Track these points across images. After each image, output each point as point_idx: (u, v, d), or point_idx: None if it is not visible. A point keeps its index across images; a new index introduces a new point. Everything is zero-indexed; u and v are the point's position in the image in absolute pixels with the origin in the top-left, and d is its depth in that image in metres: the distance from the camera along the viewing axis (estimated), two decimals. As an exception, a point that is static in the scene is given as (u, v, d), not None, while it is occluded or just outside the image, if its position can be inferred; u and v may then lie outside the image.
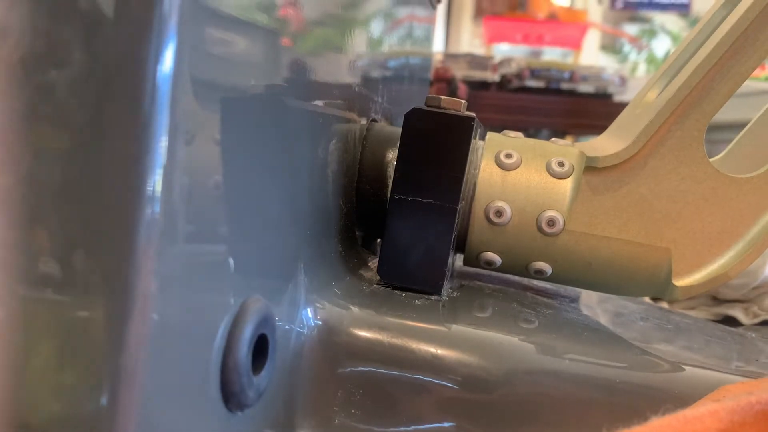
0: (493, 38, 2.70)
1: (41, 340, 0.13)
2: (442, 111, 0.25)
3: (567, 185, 0.26)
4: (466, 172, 0.25)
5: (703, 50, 0.25)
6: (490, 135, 0.28)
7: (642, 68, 3.86)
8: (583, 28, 2.83)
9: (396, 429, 0.20)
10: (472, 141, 0.26)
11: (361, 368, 0.21)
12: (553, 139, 0.29)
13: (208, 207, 0.15)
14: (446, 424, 0.21)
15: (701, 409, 0.17)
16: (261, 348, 0.17)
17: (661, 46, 3.90)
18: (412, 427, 0.20)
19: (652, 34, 3.94)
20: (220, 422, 0.16)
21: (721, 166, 0.27)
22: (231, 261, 0.16)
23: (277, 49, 0.20)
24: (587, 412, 0.22)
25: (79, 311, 0.13)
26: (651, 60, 3.84)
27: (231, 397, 0.16)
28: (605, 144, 0.28)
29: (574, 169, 0.26)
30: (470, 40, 3.23)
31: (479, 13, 2.77)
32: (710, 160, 0.27)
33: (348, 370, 0.21)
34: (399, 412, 0.21)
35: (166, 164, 0.13)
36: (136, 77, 0.13)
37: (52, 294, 0.13)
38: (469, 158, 0.25)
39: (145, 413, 0.13)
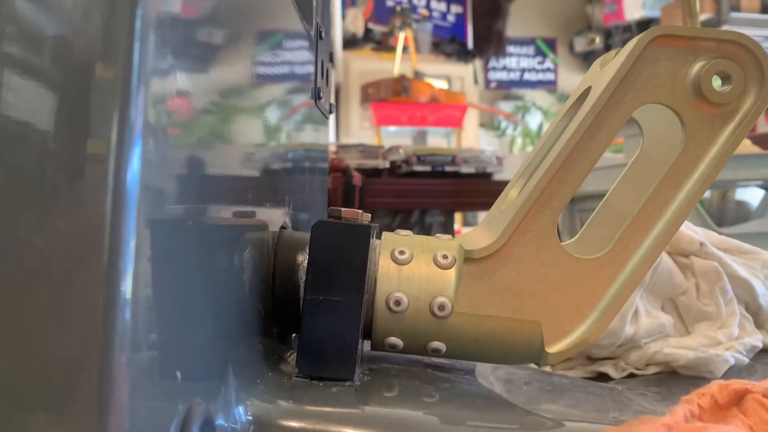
0: (381, 121, 2.85)
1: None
2: (343, 222, 0.29)
3: (452, 274, 0.31)
4: (367, 269, 0.30)
5: (547, 159, 0.31)
6: (384, 235, 0.33)
7: (519, 141, 4.15)
8: (463, 108, 3.03)
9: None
10: (370, 243, 0.30)
11: (289, 454, 0.24)
12: (437, 234, 0.34)
13: (160, 319, 0.18)
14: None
15: None
16: (204, 445, 0.20)
17: (534, 120, 4.23)
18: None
19: (525, 109, 4.28)
20: None
21: (574, 248, 0.33)
22: (178, 368, 0.19)
23: (195, 158, 0.23)
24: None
25: (61, 423, 0.16)
26: (527, 133, 4.15)
27: (184, 489, 0.19)
28: (480, 237, 0.33)
29: (456, 260, 0.31)
30: (360, 123, 3.37)
31: (365, 98, 2.91)
32: (565, 243, 0.33)
33: (278, 456, 0.24)
34: (326, 488, 0.24)
35: (135, 276, 0.16)
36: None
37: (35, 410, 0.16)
38: (368, 258, 0.30)
39: None
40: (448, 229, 1.66)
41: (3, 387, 0.16)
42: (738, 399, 0.24)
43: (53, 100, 0.17)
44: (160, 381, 0.19)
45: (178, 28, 0.21)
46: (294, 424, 0.24)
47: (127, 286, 0.16)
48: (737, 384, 0.24)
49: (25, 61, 0.18)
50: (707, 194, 1.68)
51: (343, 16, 3.49)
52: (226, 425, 0.23)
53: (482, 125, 4.08)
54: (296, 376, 0.29)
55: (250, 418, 0.24)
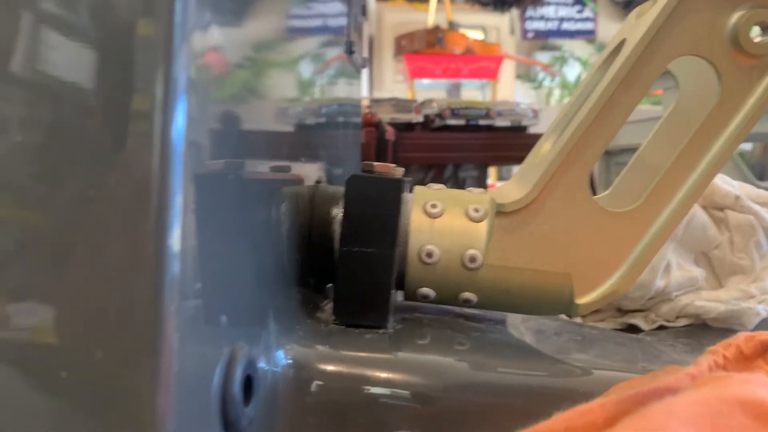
0: (415, 74, 2.82)
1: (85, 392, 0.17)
2: (376, 176, 0.30)
3: (483, 227, 0.32)
4: (400, 223, 0.30)
5: (581, 112, 0.31)
6: (417, 189, 0.34)
7: (557, 94, 4.07)
8: (498, 59, 2.98)
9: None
10: (403, 196, 0.31)
11: (326, 396, 0.26)
12: (469, 188, 0.35)
13: (205, 269, 0.19)
14: (400, 433, 0.25)
15: (593, 403, 0.21)
16: (247, 385, 0.22)
17: (573, 71, 4.13)
18: (373, 438, 0.25)
19: (563, 60, 4.17)
20: (221, 447, 0.20)
21: (605, 202, 0.33)
22: (223, 314, 0.21)
23: (233, 113, 0.24)
24: (511, 416, 0.27)
25: (115, 367, 0.17)
26: (564, 85, 4.06)
27: (230, 425, 0.20)
28: (511, 190, 0.34)
29: (487, 213, 0.32)
30: (393, 76, 3.34)
31: (399, 51, 2.88)
32: (598, 197, 0.33)
33: (316, 399, 0.25)
34: (361, 428, 0.25)
35: (182, 230, 0.17)
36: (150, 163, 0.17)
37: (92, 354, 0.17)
38: (401, 211, 0.31)
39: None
40: (481, 183, 1.66)
41: (64, 328, 0.17)
42: (764, 350, 0.24)
43: (94, 59, 0.18)
44: (206, 327, 0.20)
45: (216, -16, 0.21)
46: (331, 367, 0.26)
47: (174, 240, 0.17)
48: (763, 335, 0.24)
49: (66, 20, 0.18)
50: (748, 147, 1.63)
51: (376, -34, 3.43)
52: (267, 368, 0.24)
53: (518, 77, 4.00)
54: (332, 324, 0.30)
55: (290, 361, 0.25)
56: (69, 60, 0.18)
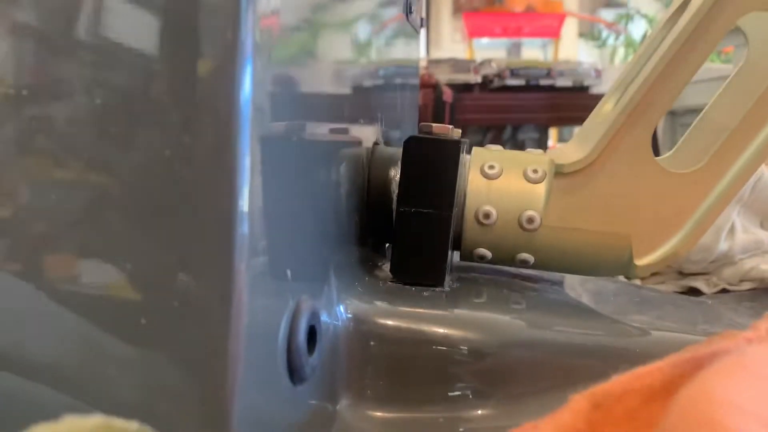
0: (474, 33, 2.76)
1: (159, 342, 0.19)
2: (434, 137, 0.30)
3: (541, 189, 0.32)
4: (457, 184, 0.31)
5: (645, 70, 0.31)
6: (475, 150, 0.34)
7: (621, 52, 3.92)
8: (561, 17, 2.89)
9: (416, 392, 0.26)
10: (460, 158, 0.31)
11: (385, 349, 0.27)
12: (528, 149, 0.35)
13: (271, 227, 0.21)
14: (455, 385, 0.26)
15: (651, 366, 0.21)
16: (311, 336, 0.23)
17: (638, 29, 3.96)
18: (429, 390, 0.26)
19: (628, 18, 4.00)
20: (287, 392, 0.21)
21: (668, 163, 0.33)
22: (288, 269, 0.22)
23: (293, 77, 0.24)
24: (567, 374, 0.27)
25: (191, 319, 0.18)
26: (629, 44, 3.90)
27: (294, 372, 0.21)
28: (571, 151, 0.34)
29: (546, 174, 0.32)
30: (451, 35, 3.29)
31: (458, 9, 2.82)
32: (661, 158, 0.33)
33: (375, 351, 0.26)
34: (417, 379, 0.26)
35: (250, 190, 0.18)
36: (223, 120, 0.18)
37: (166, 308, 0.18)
38: (458, 172, 0.31)
39: (242, 389, 0.19)
40: (542, 145, 1.63)
41: (142, 281, 0.19)
42: (827, 313, 0.23)
43: (157, 24, 0.19)
44: (273, 281, 0.21)
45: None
46: (389, 322, 0.27)
47: (244, 200, 0.18)
48: (827, 297, 0.24)
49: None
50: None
51: None
52: (329, 321, 0.25)
53: (581, 35, 3.87)
54: (390, 281, 0.31)
55: (350, 315, 0.27)
56: (132, 25, 0.19)
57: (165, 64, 0.19)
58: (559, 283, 0.37)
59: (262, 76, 0.20)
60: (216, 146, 0.18)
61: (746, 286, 0.43)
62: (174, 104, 0.19)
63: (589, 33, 3.96)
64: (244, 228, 0.18)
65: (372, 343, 0.26)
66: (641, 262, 0.32)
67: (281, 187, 0.22)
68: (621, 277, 0.42)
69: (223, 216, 0.18)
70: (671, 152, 0.36)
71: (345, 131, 0.32)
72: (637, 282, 0.44)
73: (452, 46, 3.15)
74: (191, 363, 0.18)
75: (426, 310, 0.28)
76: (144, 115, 0.19)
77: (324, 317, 0.24)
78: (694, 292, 0.44)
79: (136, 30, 0.19)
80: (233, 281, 0.18)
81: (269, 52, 0.21)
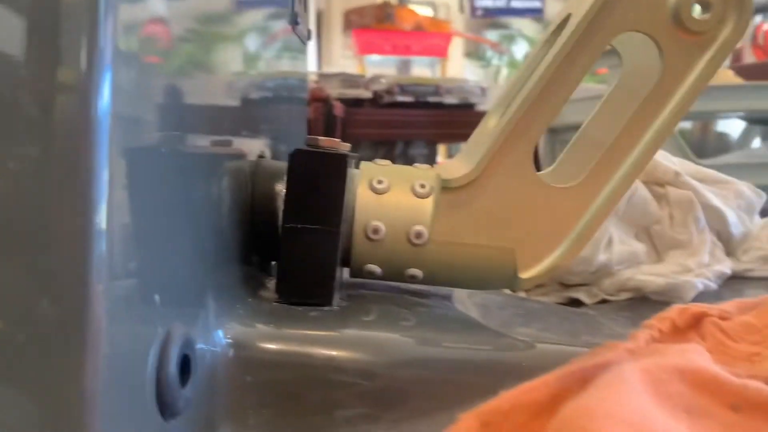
0: (364, 49, 2.80)
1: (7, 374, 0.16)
2: (321, 150, 0.29)
3: (429, 203, 0.31)
4: (345, 198, 0.30)
5: (525, 88, 0.31)
6: (363, 164, 0.33)
7: (504, 72, 4.10)
8: (448, 37, 2.98)
9: (303, 420, 0.25)
10: (348, 172, 0.30)
11: (268, 375, 0.25)
12: (415, 164, 0.34)
13: (138, 246, 0.19)
14: (344, 411, 0.25)
15: (537, 381, 0.21)
16: (184, 366, 0.21)
17: (521, 50, 4.16)
18: (317, 417, 0.25)
19: (511, 39, 4.20)
20: (157, 429, 0.20)
21: (549, 178, 0.33)
22: (156, 293, 0.20)
23: (171, 86, 0.23)
24: (457, 391, 0.27)
25: (41, 349, 0.16)
26: (512, 63, 4.09)
27: (165, 407, 0.19)
28: (458, 166, 0.34)
29: (433, 189, 0.32)
30: (342, 51, 3.31)
31: (348, 25, 2.85)
32: (542, 173, 0.34)
33: (257, 378, 0.25)
34: (304, 406, 0.25)
35: (110, 206, 0.17)
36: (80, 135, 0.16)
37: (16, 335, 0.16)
38: (346, 187, 0.30)
39: (101, 427, 0.17)
40: (431, 161, 1.66)
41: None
42: (696, 322, 0.24)
43: (22, 27, 0.17)
44: (139, 306, 0.19)
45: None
46: (273, 346, 0.25)
47: (101, 216, 0.17)
48: (695, 307, 0.25)
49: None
50: (688, 126, 1.68)
51: (326, -62, 3.36)
52: (205, 348, 0.23)
53: (468, 55, 4.01)
54: (275, 302, 0.29)
55: (230, 340, 0.25)
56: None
57: (30, 71, 0.17)
58: (448, 298, 0.37)
59: (131, 85, 0.19)
60: (68, 158, 0.16)
61: (624, 296, 0.45)
62: (33, 114, 0.17)
63: (474, 53, 4.12)
64: (101, 246, 0.16)
65: (254, 369, 0.25)
66: (525, 275, 0.32)
67: (151, 203, 0.20)
68: (506, 290, 0.42)
69: (77, 233, 0.16)
70: (552, 167, 0.37)
71: (226, 143, 0.30)
72: (522, 294, 0.45)
73: (343, 61, 3.17)
74: (42, 399, 0.16)
75: (312, 332, 0.27)
76: (4, 125, 0.17)
77: (200, 344, 0.23)
78: (575, 303, 0.45)
79: (2, 33, 0.17)
80: (89, 306, 0.16)
81: (142, 61, 0.20)
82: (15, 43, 0.17)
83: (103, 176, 0.17)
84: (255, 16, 0.38)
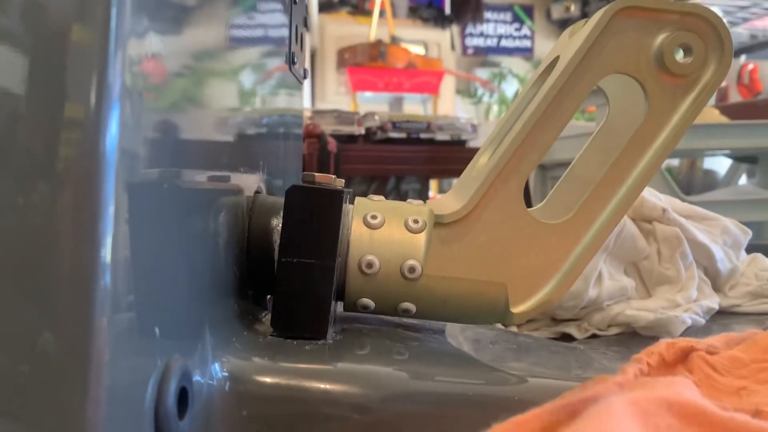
0: (357, 87, 2.83)
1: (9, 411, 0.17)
2: (317, 186, 0.30)
3: (422, 238, 0.32)
4: (340, 233, 0.31)
5: (515, 126, 0.32)
6: (357, 200, 0.34)
7: (495, 109, 4.16)
8: (440, 74, 3.02)
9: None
10: (343, 207, 0.31)
11: (264, 408, 0.25)
12: (408, 199, 0.35)
13: (139, 280, 0.19)
14: (338, 444, 0.25)
15: (529, 414, 0.21)
16: (182, 398, 0.21)
17: (511, 87, 4.23)
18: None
19: (501, 77, 4.27)
20: (154, 462, 0.20)
21: (539, 214, 0.34)
22: (156, 326, 0.20)
23: (170, 122, 0.23)
24: (450, 425, 0.27)
25: (43, 381, 0.17)
26: (503, 101, 4.15)
27: (163, 439, 0.20)
28: (450, 202, 0.34)
29: (426, 224, 0.32)
30: (335, 88, 3.35)
31: (341, 63, 2.89)
32: (532, 209, 0.34)
33: (253, 411, 0.25)
34: (299, 439, 0.25)
35: (114, 240, 0.17)
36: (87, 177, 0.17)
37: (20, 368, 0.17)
38: (341, 222, 0.31)
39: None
40: (423, 196, 1.68)
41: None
42: (684, 356, 0.25)
43: (26, 64, 0.18)
44: (139, 339, 0.19)
45: (153, -9, 0.21)
46: (268, 379, 0.26)
47: (106, 250, 0.17)
48: (683, 342, 0.25)
49: (-3, 24, 0.18)
50: (676, 163, 1.71)
51: (319, -21, 3.43)
52: (202, 381, 0.24)
53: (459, 92, 4.07)
54: (271, 335, 0.30)
55: (226, 374, 0.25)
56: (1, 65, 0.18)
57: (31, 107, 0.17)
58: (441, 332, 0.37)
59: (135, 121, 0.19)
60: (75, 193, 0.17)
61: (613, 330, 0.45)
62: (39, 149, 0.17)
63: (465, 90, 4.18)
64: (105, 280, 0.17)
65: (250, 403, 0.25)
66: (517, 309, 0.33)
67: (152, 237, 0.21)
68: (498, 324, 0.43)
69: (82, 266, 0.17)
70: (542, 204, 0.37)
71: (225, 179, 0.31)
72: (514, 329, 0.45)
73: (336, 98, 3.20)
74: (45, 431, 0.16)
75: (307, 365, 0.27)
76: (8, 160, 0.17)
77: (197, 377, 0.23)
78: (566, 337, 0.46)
79: (4, 70, 0.17)
80: (93, 338, 0.16)
81: (144, 97, 0.20)
82: (17, 80, 0.17)
83: (110, 211, 0.17)
84: (253, 54, 0.39)
